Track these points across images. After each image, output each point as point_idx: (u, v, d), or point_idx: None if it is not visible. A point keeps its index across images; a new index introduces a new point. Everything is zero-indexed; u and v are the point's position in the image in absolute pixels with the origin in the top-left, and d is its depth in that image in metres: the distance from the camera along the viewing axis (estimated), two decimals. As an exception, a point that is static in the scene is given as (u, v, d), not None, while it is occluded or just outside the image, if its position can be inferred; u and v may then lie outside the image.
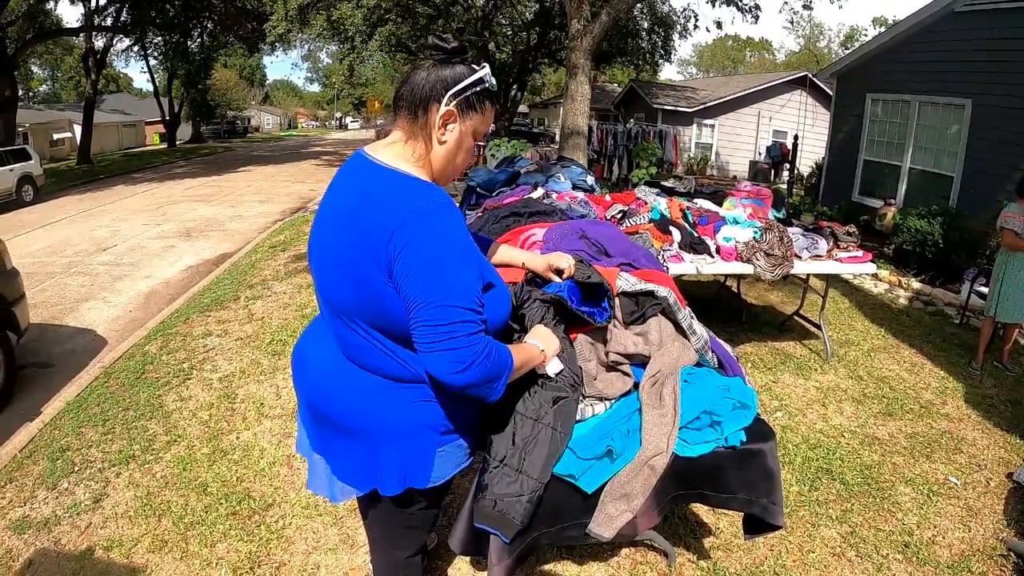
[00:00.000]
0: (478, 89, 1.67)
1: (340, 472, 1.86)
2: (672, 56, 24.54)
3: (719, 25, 20.61)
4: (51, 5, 26.96)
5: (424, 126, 1.65)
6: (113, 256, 9.62)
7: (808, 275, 5.80)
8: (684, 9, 22.77)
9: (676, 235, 4.91)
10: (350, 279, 1.61)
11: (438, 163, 1.70)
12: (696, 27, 24.28)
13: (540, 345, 1.96)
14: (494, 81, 1.72)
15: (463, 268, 1.57)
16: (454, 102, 1.63)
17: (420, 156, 1.68)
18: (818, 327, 5.66)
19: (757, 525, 2.36)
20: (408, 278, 1.52)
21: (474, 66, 1.68)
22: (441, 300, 1.51)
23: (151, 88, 39.58)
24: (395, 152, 1.68)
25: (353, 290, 1.61)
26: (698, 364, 2.52)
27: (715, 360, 2.62)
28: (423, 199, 1.56)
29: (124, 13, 27.64)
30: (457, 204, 7.93)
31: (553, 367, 2.02)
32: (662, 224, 4.97)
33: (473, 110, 1.68)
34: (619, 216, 5.13)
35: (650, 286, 2.57)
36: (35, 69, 46.96)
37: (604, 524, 2.06)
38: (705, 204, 5.74)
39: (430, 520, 2.04)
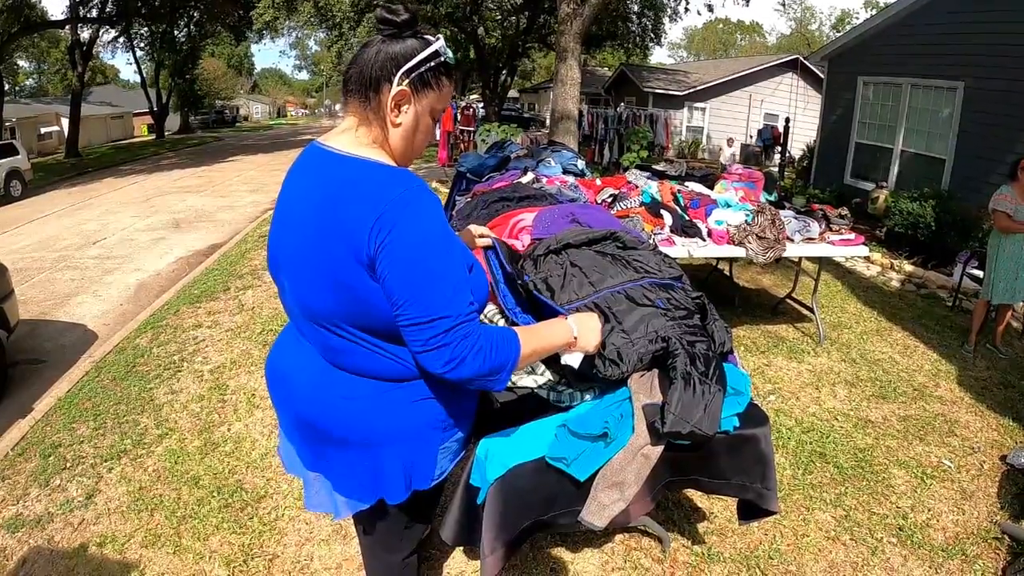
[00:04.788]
0: (432, 64, 1.53)
1: (342, 487, 1.76)
2: (662, 40, 24.48)
3: (710, 8, 20.44)
4: (36, -2, 26.70)
5: (377, 109, 1.53)
6: (103, 250, 9.55)
7: (800, 258, 5.80)
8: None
9: (667, 218, 4.90)
10: (331, 281, 1.49)
11: (396, 146, 1.58)
12: (687, 10, 24.15)
13: (576, 331, 1.83)
14: (451, 53, 1.58)
15: (448, 258, 1.49)
16: (406, 81, 1.51)
17: (377, 141, 1.56)
18: (811, 310, 5.66)
19: (752, 510, 2.35)
20: (393, 274, 1.43)
21: (428, 37, 1.54)
22: (429, 295, 1.44)
23: (138, 79, 39.22)
24: (351, 139, 1.56)
25: (335, 292, 1.50)
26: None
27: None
28: (398, 187, 1.45)
29: (109, 4, 27.36)
30: (447, 189, 7.93)
31: (575, 359, 1.89)
32: (653, 207, 4.95)
33: (428, 87, 1.55)
34: (610, 200, 5.11)
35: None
36: (21, 63, 46.40)
37: (596, 513, 2.04)
38: (696, 187, 5.73)
39: (427, 518, 2.02)
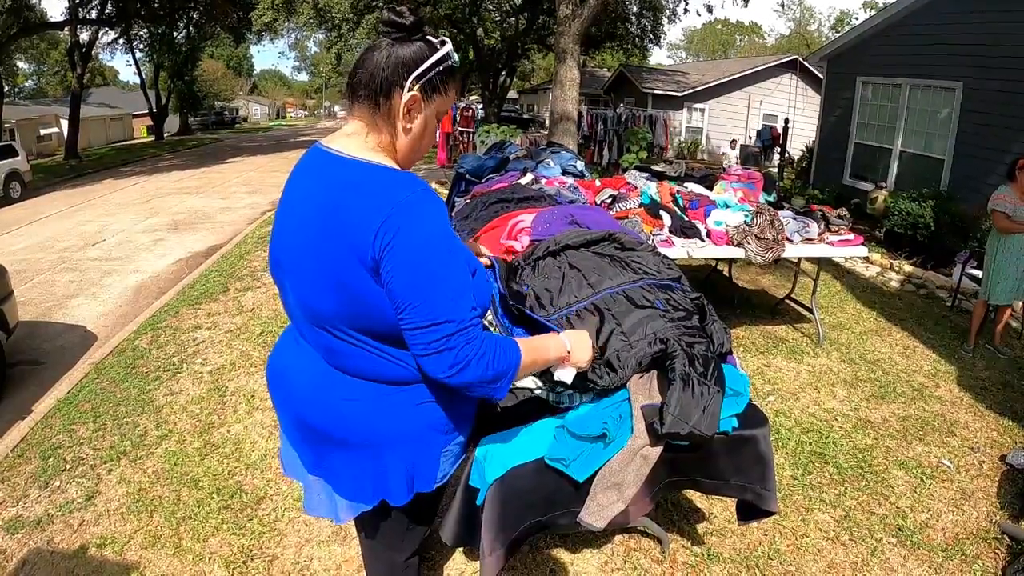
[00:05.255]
0: (441, 68, 1.54)
1: (343, 489, 1.75)
2: (661, 40, 24.53)
3: (709, 9, 20.56)
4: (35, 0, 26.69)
5: (387, 115, 1.53)
6: (102, 251, 9.55)
7: (799, 258, 5.80)
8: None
9: (666, 219, 4.90)
10: (333, 283, 1.49)
11: (403, 150, 1.59)
12: (686, 11, 24.20)
13: (569, 345, 1.84)
14: (457, 57, 1.60)
15: (452, 262, 1.49)
16: (417, 86, 1.51)
17: (383, 145, 1.56)
18: (810, 310, 5.67)
19: (751, 510, 2.35)
20: (397, 277, 1.42)
21: (433, 40, 1.54)
22: (432, 299, 1.43)
23: (138, 81, 39.23)
24: (359, 143, 1.55)
25: (337, 294, 1.50)
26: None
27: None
28: (404, 191, 1.45)
29: (109, 6, 27.35)
30: (446, 191, 7.95)
31: (567, 374, 1.88)
32: (652, 208, 4.95)
33: (437, 92, 1.56)
34: (609, 201, 5.11)
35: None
36: (20, 64, 46.41)
37: (595, 514, 2.04)
38: (695, 188, 5.73)
39: (429, 519, 2.02)
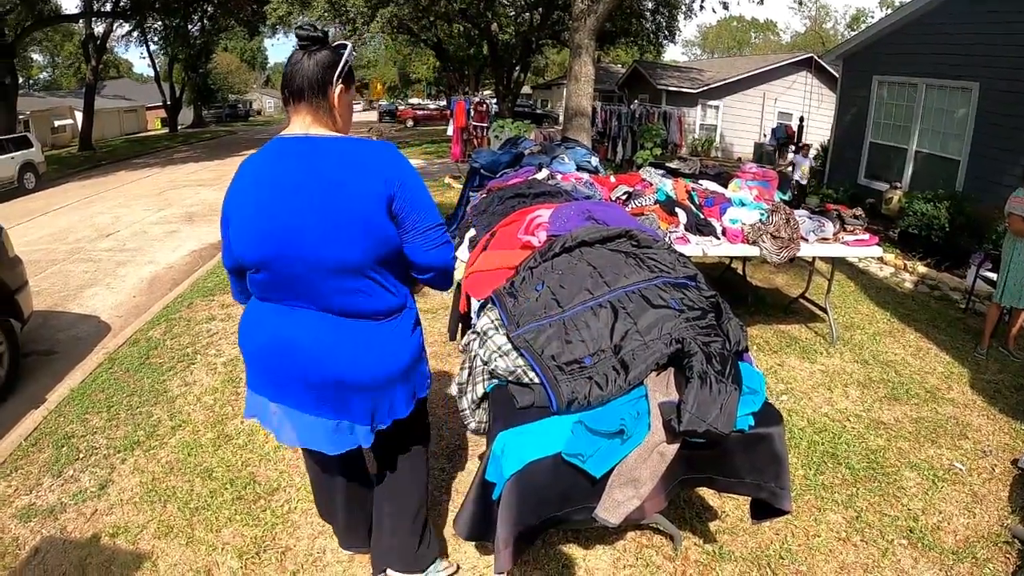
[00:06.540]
0: (350, 63, 2.07)
1: (368, 420, 2.13)
2: (676, 37, 24.29)
3: (725, 6, 20.21)
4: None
5: (327, 106, 2.02)
6: (116, 242, 9.61)
7: (814, 258, 5.76)
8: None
9: (682, 216, 4.89)
10: (363, 228, 1.91)
11: (342, 126, 2.11)
12: (702, 8, 24.01)
13: None
14: (354, 52, 2.16)
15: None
16: (340, 80, 2.02)
17: (332, 124, 2.06)
18: (824, 310, 5.64)
19: (764, 509, 2.35)
20: (410, 201, 2.00)
21: (339, 49, 2.03)
22: (432, 209, 2.07)
23: (152, 73, 39.42)
24: (319, 129, 2.02)
25: (367, 235, 1.91)
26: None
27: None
28: (389, 148, 2.03)
29: (124, -2, 27.50)
30: (461, 185, 7.97)
31: None
32: (668, 205, 4.94)
33: (351, 79, 2.09)
34: (624, 197, 5.10)
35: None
36: (35, 56, 46.63)
37: (611, 509, 2.04)
38: (710, 186, 5.70)
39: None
